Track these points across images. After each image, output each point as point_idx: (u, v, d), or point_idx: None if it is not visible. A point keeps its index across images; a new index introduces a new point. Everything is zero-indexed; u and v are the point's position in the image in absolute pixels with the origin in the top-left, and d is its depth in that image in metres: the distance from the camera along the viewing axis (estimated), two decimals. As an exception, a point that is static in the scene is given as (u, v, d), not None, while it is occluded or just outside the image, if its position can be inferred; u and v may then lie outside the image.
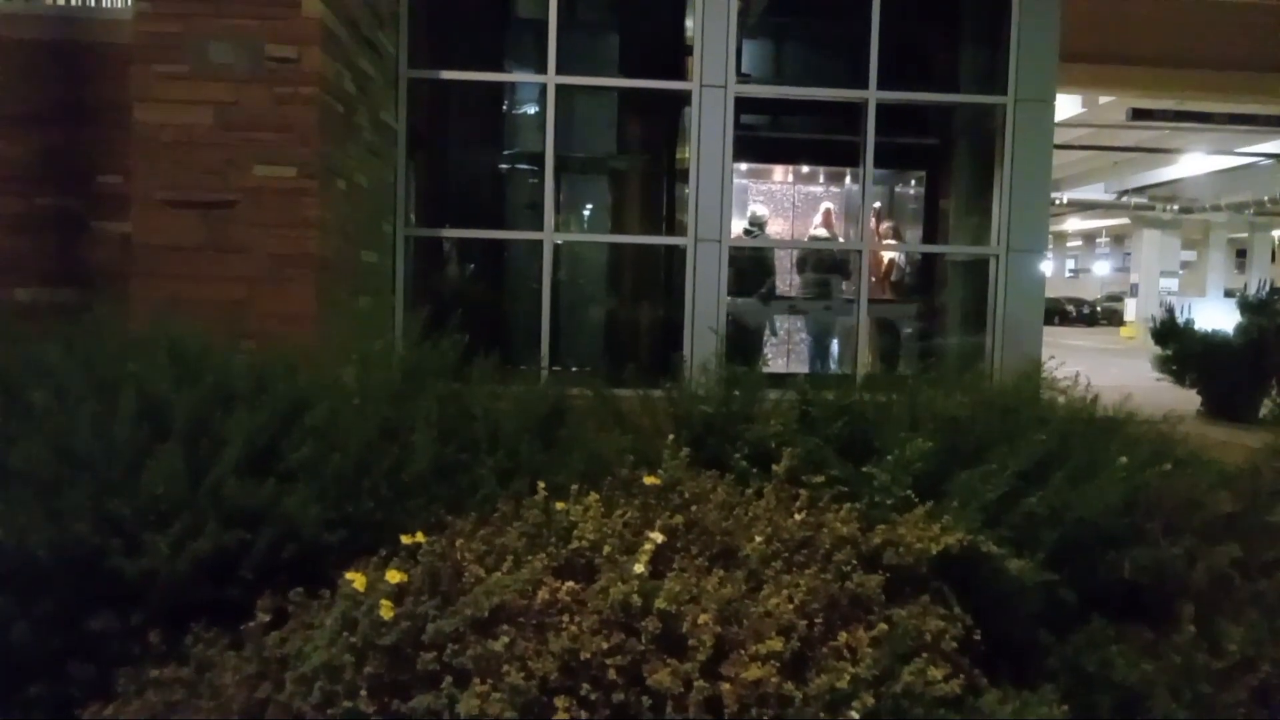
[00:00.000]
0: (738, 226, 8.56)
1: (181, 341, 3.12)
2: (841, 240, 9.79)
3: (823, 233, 9.68)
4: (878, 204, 9.24)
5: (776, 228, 11.20)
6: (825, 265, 9.36)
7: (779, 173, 11.70)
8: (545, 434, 3.25)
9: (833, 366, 9.12)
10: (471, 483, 2.89)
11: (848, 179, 10.92)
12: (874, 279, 8.45)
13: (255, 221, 4.31)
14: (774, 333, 9.41)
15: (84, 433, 2.60)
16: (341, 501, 2.67)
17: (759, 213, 9.56)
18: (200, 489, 2.56)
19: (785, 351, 10.24)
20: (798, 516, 2.69)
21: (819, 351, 9.66)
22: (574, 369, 6.66)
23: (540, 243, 6.24)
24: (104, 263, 4.62)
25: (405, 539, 2.36)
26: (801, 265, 9.85)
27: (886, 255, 9.24)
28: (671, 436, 3.02)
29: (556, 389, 3.60)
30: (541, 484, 2.63)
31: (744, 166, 10.58)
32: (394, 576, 2.21)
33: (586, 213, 8.67)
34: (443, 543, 2.41)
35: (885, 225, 9.44)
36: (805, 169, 11.49)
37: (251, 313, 4.28)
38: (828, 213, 9.88)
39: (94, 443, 2.58)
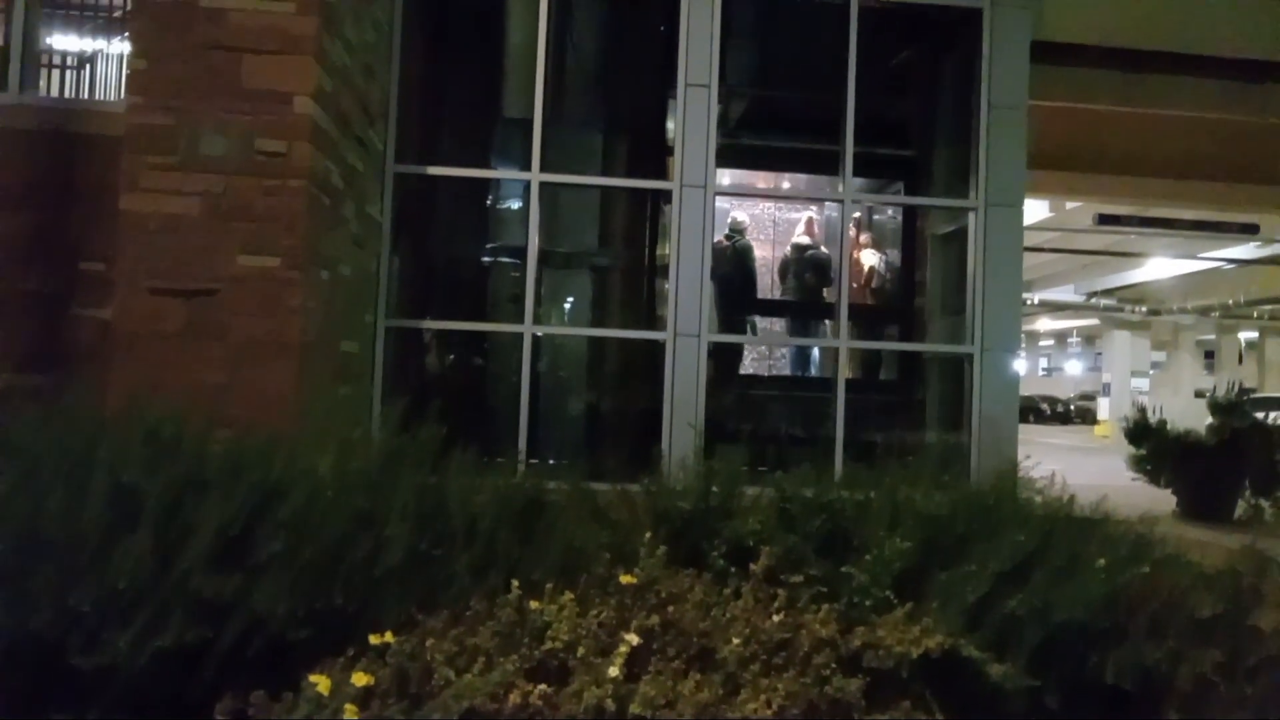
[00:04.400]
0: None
1: (156, 426, 3.08)
2: (824, 249, 9.63)
3: (805, 240, 9.63)
4: (860, 219, 9.15)
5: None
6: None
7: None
8: (522, 528, 3.20)
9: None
10: (446, 576, 2.83)
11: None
12: (854, 300, 8.28)
13: (237, 310, 4.31)
14: (754, 332, 9.40)
15: (51, 519, 2.54)
16: (312, 595, 2.60)
17: (739, 219, 9.55)
18: (168, 579, 2.49)
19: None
20: (776, 618, 2.65)
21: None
22: (552, 461, 6.61)
23: (520, 335, 6.27)
24: (83, 348, 4.60)
25: (374, 639, 2.30)
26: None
27: (866, 264, 9.06)
28: (649, 534, 2.99)
29: (534, 482, 3.56)
30: (515, 581, 2.58)
31: (726, 180, 10.39)
32: (360, 679, 2.14)
33: (567, 306, 8.75)
34: (413, 642, 2.35)
35: (865, 242, 9.29)
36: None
37: (230, 399, 4.24)
38: (810, 221, 9.83)
39: (60, 530, 2.52)
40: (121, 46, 6.83)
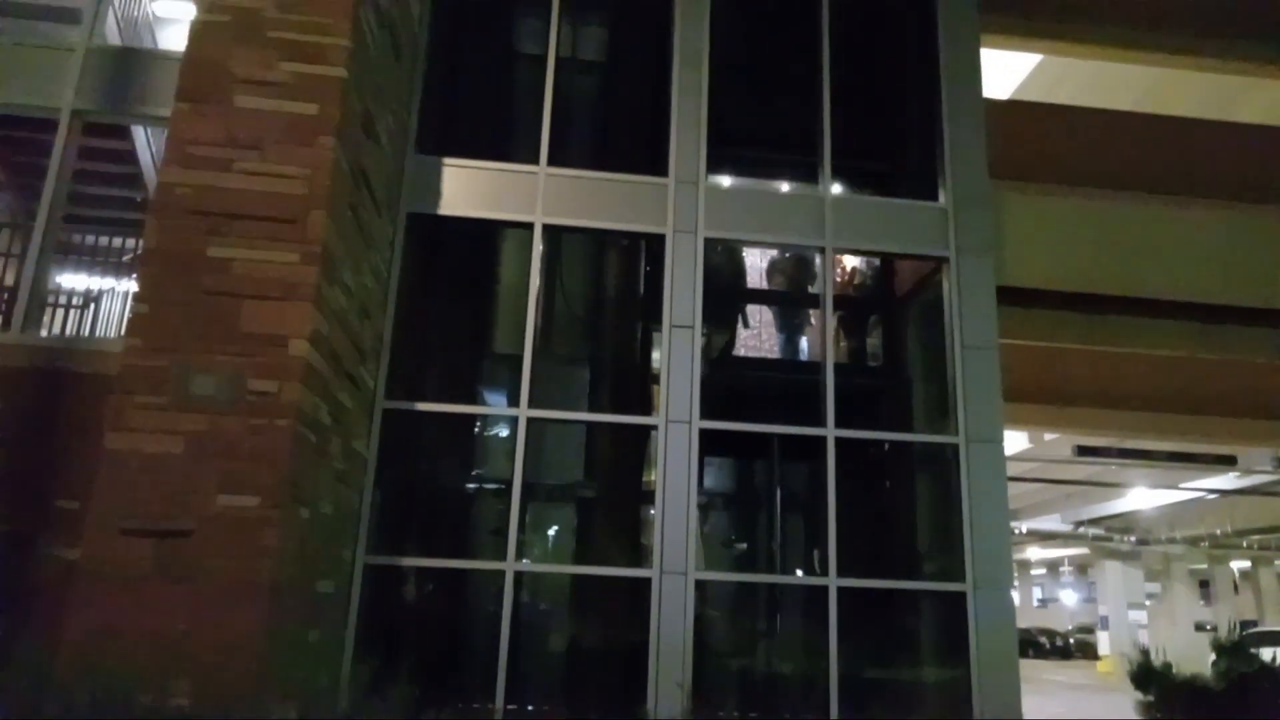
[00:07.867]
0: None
1: (108, 680, 2.90)
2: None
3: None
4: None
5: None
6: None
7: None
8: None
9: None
10: None
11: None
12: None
13: (209, 550, 4.18)
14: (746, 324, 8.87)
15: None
16: None
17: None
18: None
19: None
20: None
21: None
22: (531, 707, 6.22)
23: (503, 572, 6.09)
24: (45, 588, 4.42)
25: None
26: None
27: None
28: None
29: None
30: None
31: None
32: None
33: (550, 538, 8.57)
34: None
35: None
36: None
37: (193, 644, 4.02)
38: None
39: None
40: (126, 286, 7.11)
